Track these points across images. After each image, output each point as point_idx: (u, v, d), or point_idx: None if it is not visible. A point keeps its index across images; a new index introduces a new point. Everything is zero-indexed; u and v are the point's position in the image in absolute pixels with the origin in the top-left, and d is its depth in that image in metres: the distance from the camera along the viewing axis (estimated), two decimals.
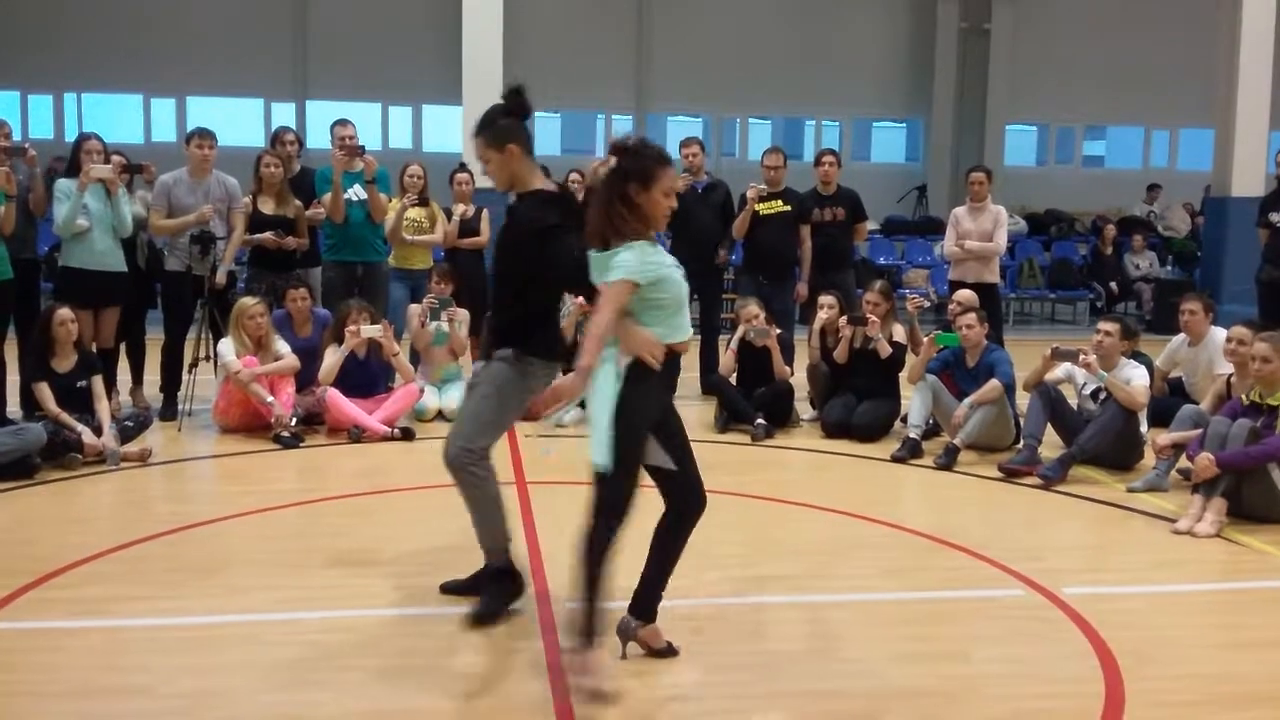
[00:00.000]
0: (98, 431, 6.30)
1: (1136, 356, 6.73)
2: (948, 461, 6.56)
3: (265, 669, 3.63)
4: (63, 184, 7.05)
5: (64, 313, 6.39)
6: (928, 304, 9.23)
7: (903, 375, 7.37)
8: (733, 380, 7.62)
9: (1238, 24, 12.31)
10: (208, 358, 7.45)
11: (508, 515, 4.09)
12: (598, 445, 3.35)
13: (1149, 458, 6.32)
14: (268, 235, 7.63)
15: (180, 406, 7.43)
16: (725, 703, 3.45)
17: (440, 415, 7.59)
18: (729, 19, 17.32)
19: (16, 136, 7.58)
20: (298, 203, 7.84)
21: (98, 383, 6.49)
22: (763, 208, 8.43)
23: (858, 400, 7.35)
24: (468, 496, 4.00)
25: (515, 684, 3.57)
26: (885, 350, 7.28)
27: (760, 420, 7.31)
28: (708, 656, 3.79)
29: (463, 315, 7.89)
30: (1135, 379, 6.39)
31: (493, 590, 4.08)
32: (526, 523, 5.15)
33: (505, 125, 3.96)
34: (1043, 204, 17.30)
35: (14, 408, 6.68)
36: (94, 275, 7.07)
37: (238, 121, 15.82)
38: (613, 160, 3.48)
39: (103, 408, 6.45)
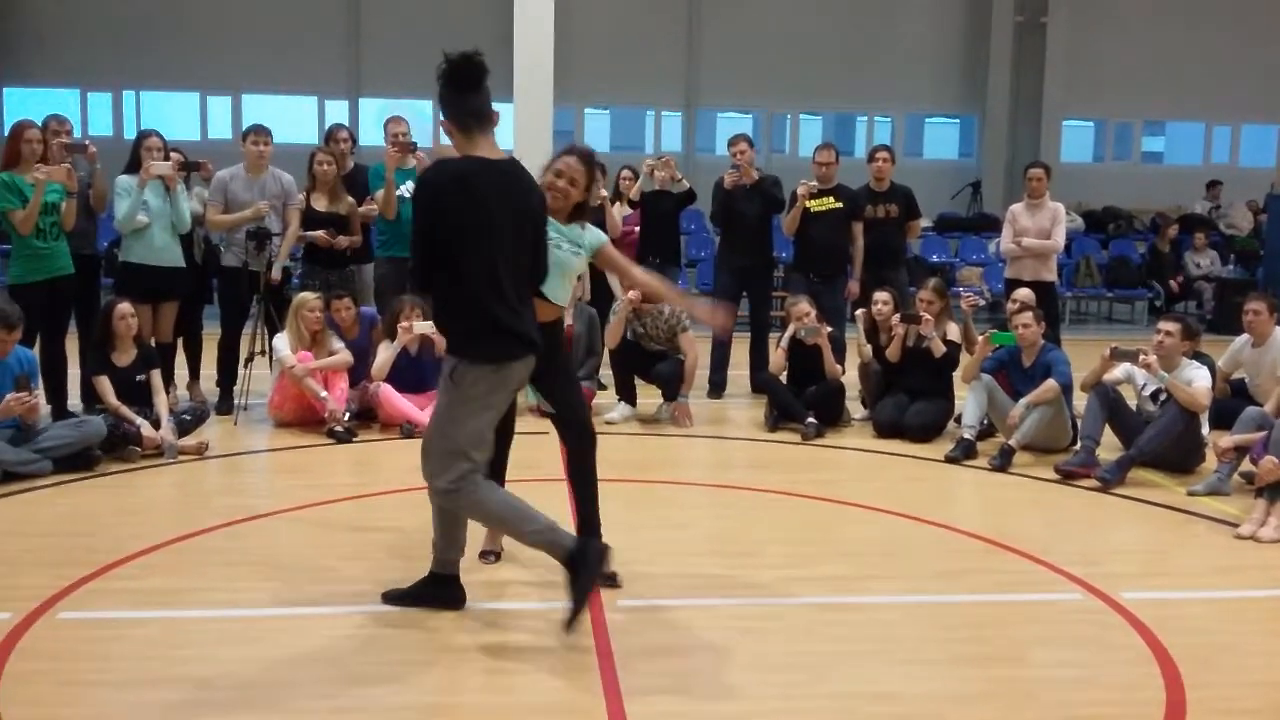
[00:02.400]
0: (156, 425, 6.40)
1: (1198, 357, 6.60)
2: (1003, 463, 6.48)
3: (321, 661, 3.66)
4: (123, 180, 7.17)
5: (124, 307, 6.50)
6: (982, 302, 9.15)
7: (957, 375, 7.28)
8: (783, 379, 7.58)
9: None
10: (263, 352, 7.54)
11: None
12: None
13: (1210, 460, 6.20)
14: (320, 234, 7.70)
15: (236, 401, 7.52)
16: (776, 703, 3.43)
17: None
18: (780, 14, 17.20)
19: (77, 133, 7.71)
20: (350, 199, 7.90)
21: (156, 377, 6.60)
22: (814, 205, 8.36)
23: (910, 400, 7.28)
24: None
25: (568, 679, 3.57)
26: (939, 349, 7.19)
27: (811, 419, 7.26)
28: (759, 656, 3.77)
29: None
30: (1197, 380, 6.26)
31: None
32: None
33: (441, 97, 3.66)
34: (1100, 201, 17.02)
35: (75, 401, 6.80)
36: (153, 270, 7.19)
37: (292, 118, 15.99)
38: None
39: (161, 401, 6.56)
